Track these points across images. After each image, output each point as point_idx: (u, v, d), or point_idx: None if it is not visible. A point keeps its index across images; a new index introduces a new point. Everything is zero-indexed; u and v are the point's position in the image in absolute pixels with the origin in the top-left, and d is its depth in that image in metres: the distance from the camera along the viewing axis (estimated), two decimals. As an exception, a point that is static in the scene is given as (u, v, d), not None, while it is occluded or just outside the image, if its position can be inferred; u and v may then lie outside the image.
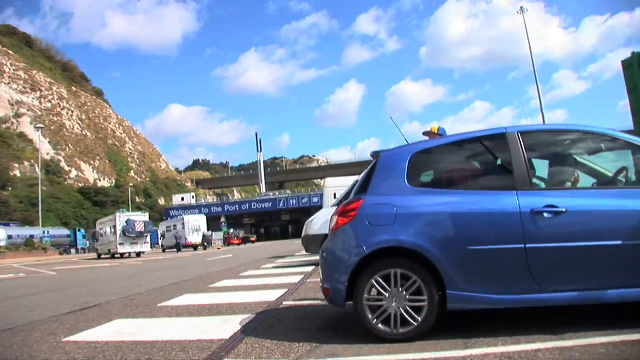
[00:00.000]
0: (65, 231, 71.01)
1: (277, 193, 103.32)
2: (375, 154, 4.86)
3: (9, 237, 59.58)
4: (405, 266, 4.21)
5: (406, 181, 4.50)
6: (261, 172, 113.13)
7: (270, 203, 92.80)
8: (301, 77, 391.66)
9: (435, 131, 6.41)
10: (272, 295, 7.87)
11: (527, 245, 4.02)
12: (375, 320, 4.21)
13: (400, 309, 4.16)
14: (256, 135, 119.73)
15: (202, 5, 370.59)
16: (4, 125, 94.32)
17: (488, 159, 4.68)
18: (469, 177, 4.73)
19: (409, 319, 4.13)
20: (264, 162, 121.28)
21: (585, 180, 4.65)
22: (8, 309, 8.50)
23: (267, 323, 5.55)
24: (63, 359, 4.48)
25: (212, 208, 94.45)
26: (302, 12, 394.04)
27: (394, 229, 4.29)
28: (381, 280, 4.23)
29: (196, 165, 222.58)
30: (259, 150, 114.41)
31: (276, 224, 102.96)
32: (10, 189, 79.74)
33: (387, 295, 4.20)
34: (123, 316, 6.84)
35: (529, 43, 33.12)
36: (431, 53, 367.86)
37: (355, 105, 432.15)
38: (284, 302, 7.15)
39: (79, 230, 71.98)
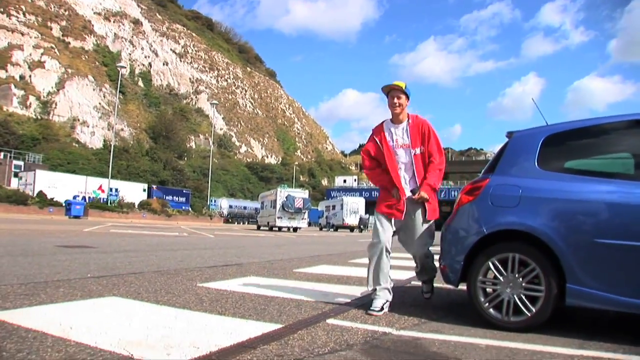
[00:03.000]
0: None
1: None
2: (509, 134, 4.64)
3: (230, 207, 66.75)
4: (524, 252, 3.99)
5: (536, 164, 4.25)
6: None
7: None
8: (478, 69, 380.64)
9: (403, 87, 4.75)
10: (404, 275, 7.87)
11: (668, 246, 3.61)
12: (487, 304, 4.07)
13: (515, 296, 3.96)
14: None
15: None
16: (184, 101, 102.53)
17: (630, 145, 4.27)
18: (606, 164, 4.36)
19: (522, 308, 3.92)
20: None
21: None
22: (164, 258, 9.28)
23: (387, 297, 5.55)
24: (192, 297, 4.89)
25: (373, 193, 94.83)
26: (485, 2, 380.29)
27: (517, 212, 4.09)
28: (498, 264, 4.07)
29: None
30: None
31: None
32: (186, 159, 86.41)
33: (502, 280, 4.03)
34: (257, 275, 7.23)
35: None
36: (623, 47, 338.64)
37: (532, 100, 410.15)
38: (413, 282, 7.12)
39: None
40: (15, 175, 53.47)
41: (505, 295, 4.00)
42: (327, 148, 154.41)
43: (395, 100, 4.73)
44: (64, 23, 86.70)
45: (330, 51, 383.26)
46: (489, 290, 4.12)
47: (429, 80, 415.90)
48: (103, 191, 57.02)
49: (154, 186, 66.85)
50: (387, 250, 4.62)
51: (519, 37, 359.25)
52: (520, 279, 3.96)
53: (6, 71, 69.85)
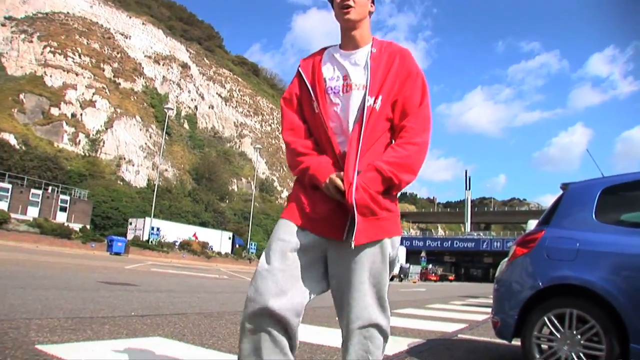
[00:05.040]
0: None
1: (481, 234, 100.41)
2: (564, 186, 4.52)
3: None
4: (583, 308, 3.81)
5: (594, 216, 4.10)
6: (468, 211, 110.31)
7: (474, 243, 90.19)
8: (524, 119, 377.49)
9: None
10: (450, 328, 7.67)
11: None
12: (543, 361, 3.89)
13: (573, 354, 3.77)
14: (465, 173, 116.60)
15: (431, 45, 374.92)
16: (228, 144, 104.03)
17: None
18: None
19: (581, 367, 3.73)
20: (472, 201, 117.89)
21: None
22: (206, 300, 9.26)
23: (435, 349, 5.40)
24: (237, 342, 4.77)
25: (413, 241, 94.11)
26: (533, 52, 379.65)
27: (574, 266, 3.94)
28: (554, 319, 3.90)
29: (403, 198, 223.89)
30: (468, 188, 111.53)
31: (478, 265, 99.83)
32: (227, 201, 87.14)
33: (559, 336, 3.85)
34: (303, 322, 7.09)
35: None
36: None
37: (579, 151, 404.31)
38: (460, 335, 6.93)
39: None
40: (62, 209, 54.78)
41: (563, 352, 3.81)
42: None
43: None
44: (115, 65, 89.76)
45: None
46: (544, 346, 3.94)
47: (475, 130, 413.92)
48: (197, 238, 60.58)
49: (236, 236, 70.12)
50: (274, 321, 1.90)
51: (566, 88, 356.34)
52: (579, 337, 3.78)
53: (59, 109, 72.35)
